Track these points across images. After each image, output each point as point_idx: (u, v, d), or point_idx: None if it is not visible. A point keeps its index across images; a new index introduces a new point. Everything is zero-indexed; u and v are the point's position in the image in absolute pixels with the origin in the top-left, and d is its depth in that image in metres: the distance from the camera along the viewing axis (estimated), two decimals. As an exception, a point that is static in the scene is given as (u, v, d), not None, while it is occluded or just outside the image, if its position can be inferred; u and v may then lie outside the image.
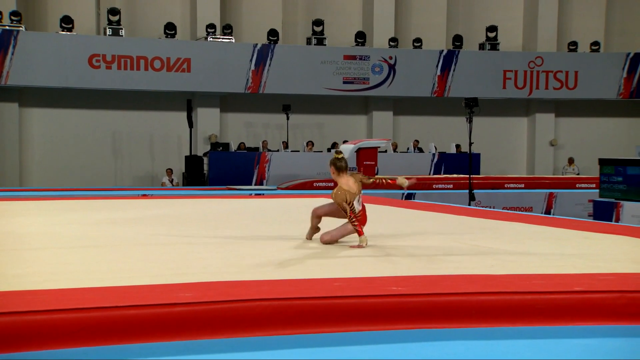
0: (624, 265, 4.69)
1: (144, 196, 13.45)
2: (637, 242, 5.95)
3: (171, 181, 19.49)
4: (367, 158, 16.75)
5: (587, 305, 3.56)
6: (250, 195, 14.02)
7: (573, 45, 23.22)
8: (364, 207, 5.72)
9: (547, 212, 15.73)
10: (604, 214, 12.26)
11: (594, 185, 15.77)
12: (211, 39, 20.83)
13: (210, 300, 3.37)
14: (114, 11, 20.29)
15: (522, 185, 17.45)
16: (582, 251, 5.45)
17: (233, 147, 19.71)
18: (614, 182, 12.44)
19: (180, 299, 3.36)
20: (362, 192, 5.74)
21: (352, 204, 5.55)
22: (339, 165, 5.69)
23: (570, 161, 22.56)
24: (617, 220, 11.89)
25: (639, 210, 11.65)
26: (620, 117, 24.20)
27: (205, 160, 19.33)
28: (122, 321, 3.18)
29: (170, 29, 20.77)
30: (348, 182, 5.64)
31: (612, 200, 12.36)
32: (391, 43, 22.20)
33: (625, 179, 12.20)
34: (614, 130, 24.10)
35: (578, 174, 21.62)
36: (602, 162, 12.98)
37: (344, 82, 21.55)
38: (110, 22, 20.20)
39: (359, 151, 16.70)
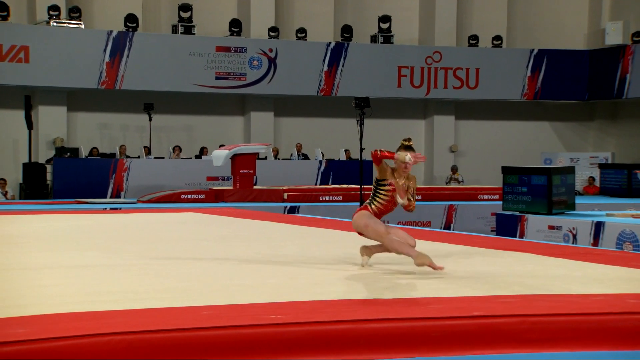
0: (527, 286, 4.90)
1: (-28, 212, 12.92)
2: (541, 260, 6.24)
3: (5, 194, 18.80)
4: (244, 166, 16.74)
5: (487, 331, 3.70)
6: (104, 210, 13.84)
7: (474, 40, 24.07)
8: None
9: (447, 226, 16.23)
10: (507, 228, 12.69)
11: (497, 197, 16.36)
12: (55, 24, 20.23)
13: (50, 336, 3.27)
14: None
15: (420, 197, 17.91)
16: (483, 270, 5.66)
17: (84, 152, 19.23)
18: (518, 193, 12.87)
19: (12, 337, 3.24)
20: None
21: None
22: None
23: (454, 170, 23.29)
24: (522, 235, 12.37)
25: (544, 224, 12.15)
26: (526, 120, 25.32)
27: (49, 168, 18.80)
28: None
29: (1, 10, 19.99)
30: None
31: (516, 213, 12.81)
32: (271, 33, 22.33)
33: (530, 189, 12.66)
34: (518, 134, 25.14)
35: (461, 182, 22.42)
36: (506, 171, 13.37)
37: (217, 78, 21.46)
38: None
39: (235, 158, 16.68)
